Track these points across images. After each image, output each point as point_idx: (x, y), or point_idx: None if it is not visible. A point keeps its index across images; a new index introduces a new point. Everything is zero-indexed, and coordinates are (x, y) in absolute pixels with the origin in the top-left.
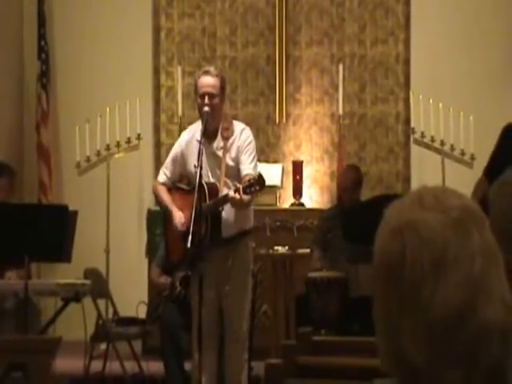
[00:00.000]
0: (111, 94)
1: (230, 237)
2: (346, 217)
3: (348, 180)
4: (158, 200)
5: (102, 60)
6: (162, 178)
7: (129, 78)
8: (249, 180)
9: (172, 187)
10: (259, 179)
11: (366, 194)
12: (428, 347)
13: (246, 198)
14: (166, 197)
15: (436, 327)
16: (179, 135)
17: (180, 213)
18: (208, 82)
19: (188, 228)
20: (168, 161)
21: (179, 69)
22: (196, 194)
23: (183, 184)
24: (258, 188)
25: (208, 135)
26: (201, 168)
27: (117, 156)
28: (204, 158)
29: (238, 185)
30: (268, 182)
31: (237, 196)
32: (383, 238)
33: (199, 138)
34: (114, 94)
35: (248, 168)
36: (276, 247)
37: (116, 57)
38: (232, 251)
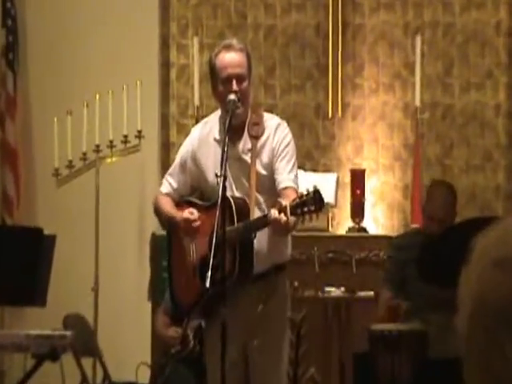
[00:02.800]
0: (102, 76)
1: (261, 273)
2: (424, 248)
3: (442, 209)
4: (158, 214)
5: (90, 29)
6: (165, 187)
7: (127, 54)
8: (301, 196)
9: (181, 201)
10: (315, 196)
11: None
12: None
13: (293, 221)
14: (168, 206)
15: None
16: None
17: (187, 210)
18: (232, 59)
19: (206, 259)
20: (174, 166)
21: (195, 41)
22: (218, 212)
23: (195, 198)
24: (313, 209)
25: (231, 133)
26: (224, 178)
27: (109, 160)
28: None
29: (283, 202)
30: None
31: (282, 218)
32: (484, 274)
33: (218, 137)
34: (106, 76)
35: (287, 179)
36: (327, 288)
37: (110, 25)
38: (264, 292)
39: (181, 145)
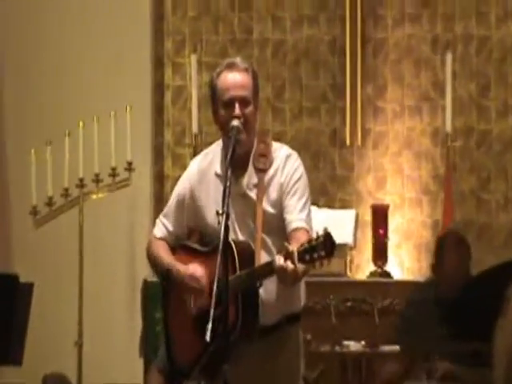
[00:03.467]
0: (86, 101)
1: (270, 325)
2: (449, 304)
3: (455, 274)
4: (151, 261)
5: (72, 47)
6: (159, 231)
7: (115, 75)
8: (309, 241)
9: (176, 246)
10: (326, 240)
11: (489, 260)
12: None
13: (301, 268)
14: (164, 254)
15: None
16: None
17: (191, 266)
18: (236, 80)
19: (206, 311)
20: (169, 206)
21: (193, 59)
22: (219, 259)
23: (193, 242)
24: (323, 254)
25: (234, 165)
26: (227, 217)
27: (95, 197)
28: (228, 202)
29: (290, 247)
30: (336, 240)
31: (289, 266)
32: None
33: (219, 171)
34: (91, 100)
35: (298, 219)
36: (346, 342)
37: (95, 41)
38: (273, 347)
39: (177, 179)
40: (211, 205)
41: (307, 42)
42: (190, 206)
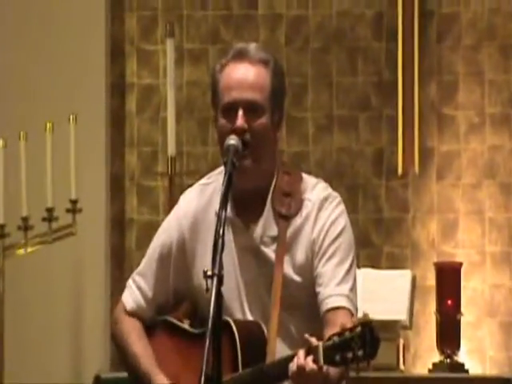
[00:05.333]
0: (6, 112)
1: None
2: None
3: None
4: (119, 349)
5: None
6: (132, 299)
7: (53, 70)
8: (340, 333)
9: (157, 322)
10: (365, 332)
11: None
12: None
13: (333, 373)
14: (138, 345)
15: None
16: (171, 201)
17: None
18: (244, 76)
19: None
20: (148, 261)
21: (170, 45)
22: (206, 350)
23: (182, 316)
24: (360, 355)
25: (242, 205)
26: (219, 280)
27: (21, 252)
28: (232, 261)
29: (314, 341)
30: (382, 316)
31: (310, 366)
32: None
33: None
34: (15, 112)
35: (337, 294)
36: None
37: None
38: None
39: (145, 225)
40: (210, 261)
41: (339, 18)
42: (179, 262)
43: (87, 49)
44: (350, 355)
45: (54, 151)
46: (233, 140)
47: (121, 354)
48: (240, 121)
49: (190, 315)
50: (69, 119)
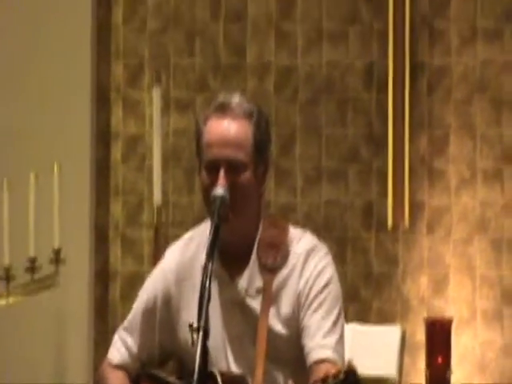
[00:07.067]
0: None
1: None
2: None
3: None
4: None
5: None
6: (118, 354)
7: (38, 117)
8: (324, 379)
9: (142, 376)
10: (348, 377)
11: None
12: None
13: None
14: None
15: None
16: (156, 252)
17: None
18: (224, 133)
19: None
20: (133, 316)
21: (156, 93)
22: None
23: (168, 375)
24: None
25: (228, 256)
26: (204, 333)
27: (4, 303)
28: (217, 314)
29: None
30: (371, 371)
31: None
32: None
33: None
34: (4, 157)
35: (323, 345)
36: None
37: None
38: None
39: (130, 277)
40: (195, 315)
41: (329, 69)
42: (165, 316)
43: (72, 96)
44: None
45: (38, 200)
46: (220, 191)
47: None
48: (221, 180)
49: (176, 374)
50: (53, 168)
